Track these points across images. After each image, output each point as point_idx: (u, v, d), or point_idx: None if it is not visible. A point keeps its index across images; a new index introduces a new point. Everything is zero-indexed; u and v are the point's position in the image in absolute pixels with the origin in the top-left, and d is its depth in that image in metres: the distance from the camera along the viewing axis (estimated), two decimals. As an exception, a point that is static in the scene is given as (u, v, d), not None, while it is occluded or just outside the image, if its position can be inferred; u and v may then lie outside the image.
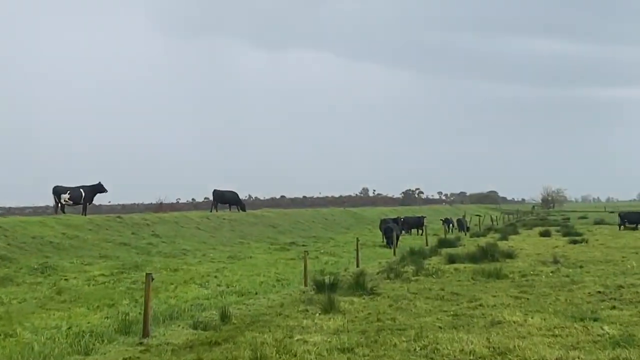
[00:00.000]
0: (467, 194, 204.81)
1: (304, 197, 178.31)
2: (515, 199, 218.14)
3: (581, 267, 21.94)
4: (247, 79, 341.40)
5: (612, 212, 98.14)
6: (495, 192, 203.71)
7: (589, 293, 15.92)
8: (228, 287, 19.77)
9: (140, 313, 14.79)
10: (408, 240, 41.72)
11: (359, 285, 17.26)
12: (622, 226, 48.63)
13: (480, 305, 14.49)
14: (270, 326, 12.95)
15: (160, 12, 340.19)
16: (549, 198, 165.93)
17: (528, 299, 15.44)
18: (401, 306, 14.73)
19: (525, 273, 20.48)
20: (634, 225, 48.60)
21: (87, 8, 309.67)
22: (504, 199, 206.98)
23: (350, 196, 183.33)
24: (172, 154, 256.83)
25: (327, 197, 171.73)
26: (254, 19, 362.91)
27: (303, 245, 36.76)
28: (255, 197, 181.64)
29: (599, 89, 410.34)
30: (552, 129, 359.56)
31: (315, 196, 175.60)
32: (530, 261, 24.14)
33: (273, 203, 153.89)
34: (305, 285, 19.19)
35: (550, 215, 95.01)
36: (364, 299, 16.09)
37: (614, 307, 13.80)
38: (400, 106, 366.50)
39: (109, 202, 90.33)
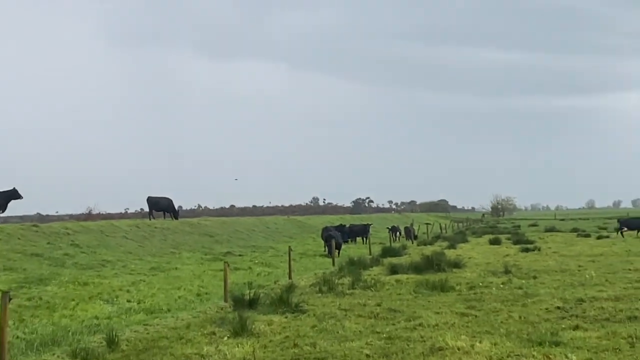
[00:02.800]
0: (418, 202, 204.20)
1: (254, 206, 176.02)
2: (466, 208, 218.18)
3: (535, 277, 19.88)
4: (192, 88, 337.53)
5: (562, 220, 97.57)
6: (445, 201, 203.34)
7: (546, 309, 13.79)
8: (139, 304, 17.34)
9: (17, 337, 12.38)
10: (352, 249, 39.51)
11: (282, 301, 14.88)
12: (620, 232, 46.46)
13: (420, 325, 12.25)
14: (165, 355, 10.59)
15: (104, 21, 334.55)
16: (499, 206, 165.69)
17: (476, 316, 13.26)
18: (327, 327, 12.41)
19: (474, 285, 18.36)
20: (636, 232, 46.52)
21: (29, 15, 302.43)
22: (454, 207, 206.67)
23: (300, 205, 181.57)
24: (115, 164, 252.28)
25: (277, 206, 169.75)
26: (198, 28, 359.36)
27: (239, 255, 34.40)
28: (205, 207, 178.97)
29: (548, 99, 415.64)
30: (502, 138, 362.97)
31: (265, 205, 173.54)
32: (480, 271, 22.03)
33: (222, 212, 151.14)
34: (226, 300, 16.77)
35: (500, 223, 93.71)
36: (286, 317, 13.75)
37: (576, 327, 11.64)
38: (351, 116, 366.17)
39: (37, 212, 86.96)
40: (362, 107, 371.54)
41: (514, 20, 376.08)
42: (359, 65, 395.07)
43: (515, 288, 17.51)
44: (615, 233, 46.55)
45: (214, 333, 12.19)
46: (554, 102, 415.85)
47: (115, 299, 17.99)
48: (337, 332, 11.88)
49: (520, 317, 12.88)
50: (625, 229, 46.49)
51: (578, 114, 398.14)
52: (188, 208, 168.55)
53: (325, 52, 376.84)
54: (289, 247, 25.76)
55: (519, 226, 75.64)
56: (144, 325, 13.83)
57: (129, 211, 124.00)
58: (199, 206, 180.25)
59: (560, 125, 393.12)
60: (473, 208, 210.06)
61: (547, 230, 59.14)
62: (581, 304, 14.27)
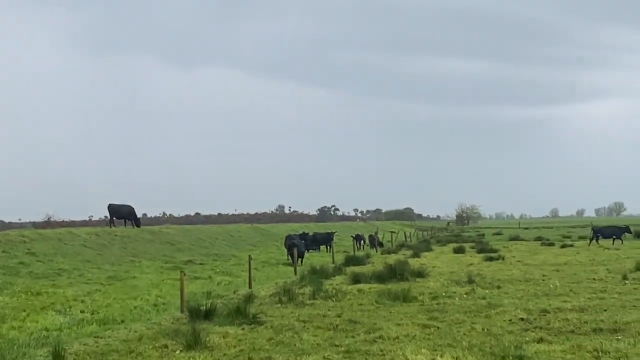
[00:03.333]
0: (383, 210, 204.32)
1: (219, 214, 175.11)
2: (431, 216, 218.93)
3: (499, 287, 19.59)
4: (157, 96, 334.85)
5: (526, 229, 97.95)
6: (410, 209, 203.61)
7: (509, 320, 13.45)
8: (92, 314, 16.71)
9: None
10: (316, 258, 39.03)
11: (239, 312, 14.37)
12: (593, 241, 46.24)
13: (380, 337, 11.83)
14: (112, 370, 10.07)
15: (67, 28, 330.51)
16: (464, 215, 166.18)
17: (438, 327, 12.88)
18: (284, 339, 11.94)
19: (437, 295, 18.01)
20: (612, 240, 46.35)
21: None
22: (420, 215, 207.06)
23: (266, 213, 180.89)
24: (80, 172, 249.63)
25: (242, 214, 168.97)
26: (164, 36, 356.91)
27: (200, 264, 33.79)
28: (170, 215, 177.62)
29: (514, 108, 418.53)
30: (467, 147, 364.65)
31: (230, 213, 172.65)
32: (443, 281, 21.71)
33: (187, 220, 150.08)
34: (182, 311, 16.20)
35: (465, 232, 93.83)
36: (243, 329, 13.26)
37: (541, 340, 11.28)
38: (317, 124, 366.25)
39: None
40: (329, 115, 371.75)
41: (477, 32, 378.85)
42: (324, 74, 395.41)
43: (478, 298, 17.20)
44: (589, 241, 46.57)
45: (166, 346, 11.67)
46: (518, 112, 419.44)
47: (68, 310, 17.33)
48: (294, 345, 11.43)
49: (483, 329, 12.53)
50: (600, 236, 46.60)
51: (543, 124, 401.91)
52: (153, 216, 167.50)
53: (290, 60, 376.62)
54: (249, 256, 25.26)
55: (483, 235, 75.69)
56: (95, 337, 13.24)
57: (92, 219, 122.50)
58: (164, 214, 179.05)
59: (524, 134, 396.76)
60: (438, 216, 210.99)
61: (511, 239, 59.12)
62: (545, 315, 13.97)
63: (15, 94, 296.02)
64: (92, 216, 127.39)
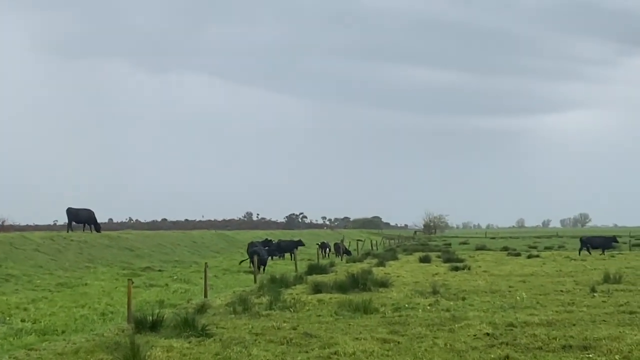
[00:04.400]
0: (351, 219, 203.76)
1: (187, 220, 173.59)
2: (399, 225, 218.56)
3: (464, 299, 18.84)
4: (127, 100, 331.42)
5: (493, 238, 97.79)
6: (379, 218, 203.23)
7: (474, 335, 12.64)
8: (34, 324, 15.67)
9: None
10: (279, 266, 38.16)
11: (188, 324, 13.44)
12: (582, 251, 45.85)
13: (335, 353, 11.00)
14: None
15: (36, 32, 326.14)
16: (431, 224, 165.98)
17: (399, 342, 12.07)
18: (231, 355, 11.06)
19: (400, 306, 17.22)
20: (601, 251, 45.82)
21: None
22: (387, 224, 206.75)
23: (233, 220, 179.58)
24: (45, 177, 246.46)
25: (210, 220, 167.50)
26: (135, 40, 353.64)
27: (159, 271, 32.78)
28: (136, 220, 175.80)
29: (481, 119, 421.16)
30: (435, 156, 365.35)
31: (197, 219, 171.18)
32: (407, 291, 20.92)
33: (154, 226, 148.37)
34: (129, 322, 15.22)
35: (432, 241, 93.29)
36: (189, 342, 12.35)
37: (507, 357, 10.53)
38: (286, 131, 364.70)
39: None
40: (298, 122, 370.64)
41: (444, 42, 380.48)
42: (294, 81, 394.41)
43: (442, 310, 16.45)
44: (579, 251, 46.21)
45: (102, 362, 10.74)
46: (486, 122, 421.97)
47: (8, 319, 16.25)
48: (242, 362, 10.56)
49: (446, 345, 11.73)
50: (589, 246, 46.26)
51: (510, 135, 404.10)
52: (119, 221, 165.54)
53: (261, 67, 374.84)
54: (205, 263, 24.28)
55: (449, 244, 75.28)
56: (29, 350, 12.28)
57: (57, 223, 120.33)
58: (130, 219, 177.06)
59: (491, 145, 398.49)
60: (406, 225, 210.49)
61: (477, 249, 58.70)
62: (512, 329, 13.20)
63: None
64: (56, 221, 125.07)
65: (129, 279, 16.69)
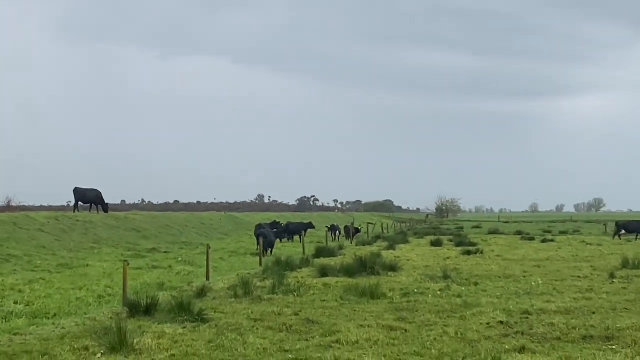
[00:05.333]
0: (363, 202, 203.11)
1: (199, 202, 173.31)
2: (411, 209, 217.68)
3: (476, 284, 18.01)
4: (139, 83, 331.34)
5: (506, 222, 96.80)
6: (390, 201, 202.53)
7: (487, 323, 11.77)
8: (27, 306, 14.91)
9: None
10: (288, 248, 37.45)
11: (183, 309, 12.67)
12: (618, 236, 45.02)
13: (337, 342, 10.20)
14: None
15: (51, 16, 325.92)
16: (443, 208, 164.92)
17: (406, 330, 11.25)
18: (225, 342, 10.25)
19: (408, 291, 16.40)
20: (635, 236, 45.10)
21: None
22: (399, 208, 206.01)
23: (245, 202, 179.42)
24: (61, 158, 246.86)
25: (222, 203, 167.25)
26: (146, 25, 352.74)
27: (165, 252, 32.14)
28: (149, 202, 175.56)
29: (495, 102, 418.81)
30: (448, 141, 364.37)
31: (210, 202, 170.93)
32: (417, 275, 20.10)
33: (166, 207, 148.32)
34: (125, 305, 14.45)
35: (444, 225, 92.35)
36: (184, 328, 11.57)
37: (523, 349, 9.63)
38: (300, 114, 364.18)
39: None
40: (312, 105, 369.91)
41: (459, 24, 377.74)
42: (308, 64, 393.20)
43: (453, 296, 15.62)
44: (613, 236, 45.34)
45: (86, 348, 9.96)
46: (500, 106, 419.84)
47: (1, 300, 15.55)
48: (236, 350, 9.75)
49: (456, 333, 10.89)
50: (623, 232, 45.36)
51: (524, 119, 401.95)
52: (132, 202, 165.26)
53: (273, 50, 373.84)
54: (207, 245, 23.56)
55: (462, 228, 74.42)
56: (14, 334, 11.50)
57: (70, 204, 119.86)
58: (143, 201, 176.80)
59: (505, 129, 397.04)
60: (418, 209, 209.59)
61: (490, 233, 57.82)
62: (527, 317, 12.33)
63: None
64: (70, 202, 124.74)
65: (124, 261, 15.84)
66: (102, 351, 9.72)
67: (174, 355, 9.50)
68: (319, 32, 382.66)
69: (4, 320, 13.10)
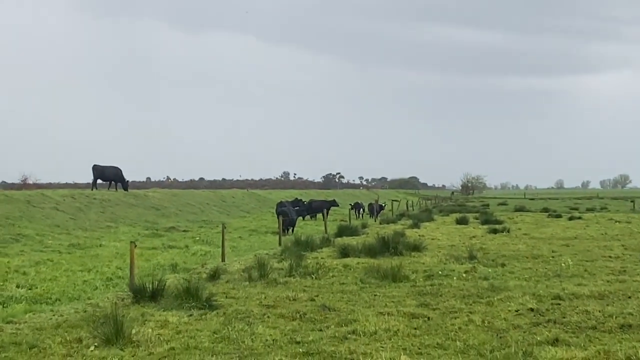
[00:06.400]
0: (388, 179, 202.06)
1: (224, 179, 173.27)
2: (436, 185, 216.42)
3: (503, 265, 17.14)
4: (164, 60, 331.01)
5: (532, 199, 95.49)
6: (416, 178, 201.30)
7: (516, 310, 10.87)
8: (30, 290, 14.25)
9: None
10: (310, 227, 36.72)
11: (190, 294, 11.93)
12: None
13: (354, 332, 9.40)
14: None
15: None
16: (469, 185, 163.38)
17: (428, 318, 10.42)
18: (231, 333, 9.46)
19: (432, 273, 15.58)
20: None
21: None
22: (425, 185, 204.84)
23: (270, 180, 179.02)
24: (84, 135, 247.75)
25: (247, 180, 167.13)
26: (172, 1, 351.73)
27: (184, 231, 31.55)
28: (174, 179, 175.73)
29: (521, 79, 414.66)
30: (473, 117, 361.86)
31: (235, 179, 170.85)
32: (441, 256, 19.23)
33: (191, 185, 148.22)
34: (131, 290, 13.72)
35: (469, 202, 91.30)
36: (190, 315, 10.84)
37: (556, 340, 8.77)
38: (324, 91, 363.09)
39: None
40: (338, 83, 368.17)
41: (485, 2, 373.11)
42: (334, 42, 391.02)
43: (479, 278, 14.77)
44: None
45: (80, 340, 9.23)
46: (525, 82, 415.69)
47: (1, 284, 14.87)
48: (243, 343, 8.96)
49: (483, 322, 10.04)
50: None
51: (549, 95, 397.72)
52: (157, 180, 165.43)
53: (301, 28, 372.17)
54: (222, 224, 22.85)
55: (488, 205, 73.39)
56: (7, 322, 10.76)
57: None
58: (168, 178, 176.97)
59: (531, 105, 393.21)
60: (444, 186, 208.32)
61: (516, 210, 56.74)
62: (559, 304, 11.40)
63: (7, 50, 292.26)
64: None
65: (131, 242, 15.12)
66: (96, 343, 8.97)
67: (173, 348, 8.73)
68: (349, 10, 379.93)
69: (1, 306, 12.43)
